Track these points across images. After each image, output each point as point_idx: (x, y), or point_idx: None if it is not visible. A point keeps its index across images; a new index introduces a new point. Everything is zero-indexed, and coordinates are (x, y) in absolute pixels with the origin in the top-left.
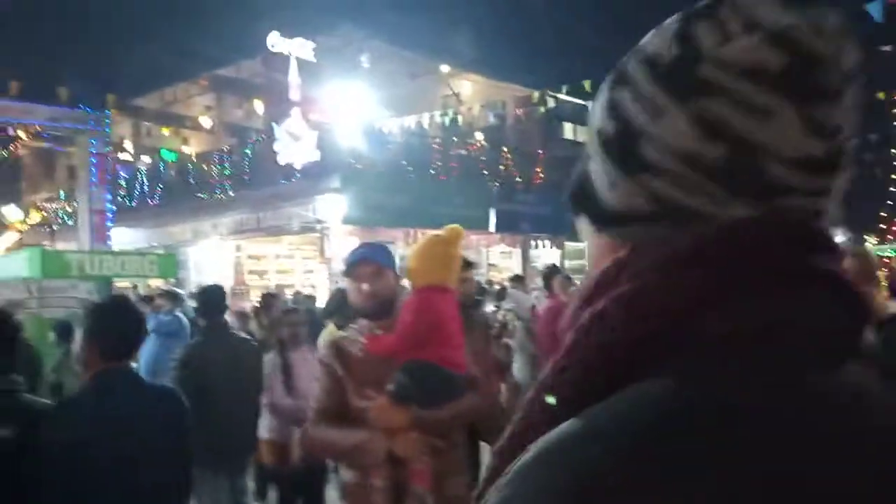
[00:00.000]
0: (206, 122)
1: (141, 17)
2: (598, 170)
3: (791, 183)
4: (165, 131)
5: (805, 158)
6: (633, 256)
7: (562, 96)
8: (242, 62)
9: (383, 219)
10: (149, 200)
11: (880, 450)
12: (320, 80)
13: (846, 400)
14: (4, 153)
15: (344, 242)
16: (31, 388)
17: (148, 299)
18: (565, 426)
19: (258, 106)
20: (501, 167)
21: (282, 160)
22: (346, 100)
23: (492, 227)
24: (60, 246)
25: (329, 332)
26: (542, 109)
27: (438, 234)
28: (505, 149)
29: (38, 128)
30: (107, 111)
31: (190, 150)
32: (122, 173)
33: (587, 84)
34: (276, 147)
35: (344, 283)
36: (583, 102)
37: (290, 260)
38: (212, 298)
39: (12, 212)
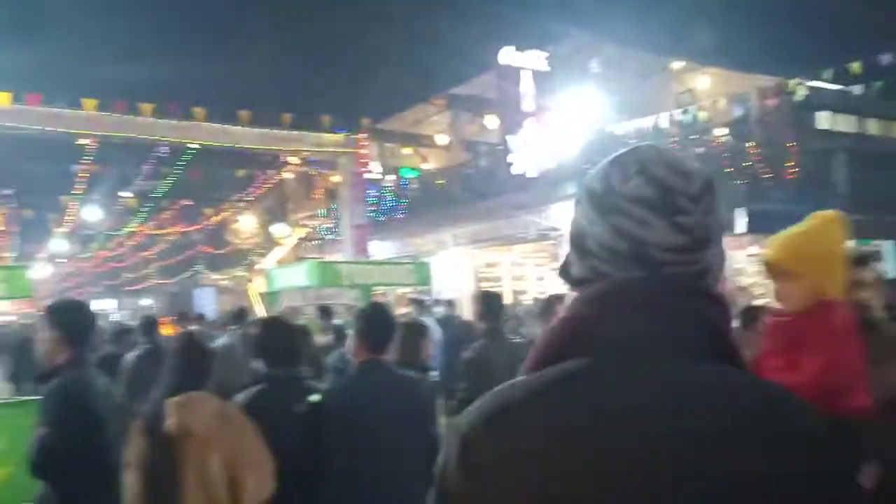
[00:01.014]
0: (442, 139)
1: (384, 43)
2: (569, 255)
3: (666, 259)
4: (406, 150)
5: (672, 246)
6: (573, 300)
7: (817, 84)
8: (475, 79)
9: None
10: (396, 215)
11: (673, 416)
12: (552, 88)
13: (668, 378)
14: (278, 177)
15: None
16: (316, 376)
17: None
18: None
19: (490, 121)
20: (748, 164)
21: (516, 170)
22: (578, 106)
23: (741, 228)
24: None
25: None
26: (796, 98)
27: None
28: (751, 144)
29: (305, 154)
30: (361, 134)
31: (428, 166)
32: (370, 191)
33: (856, 66)
34: (510, 158)
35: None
36: (844, 88)
37: (522, 268)
38: (492, 304)
39: (280, 229)
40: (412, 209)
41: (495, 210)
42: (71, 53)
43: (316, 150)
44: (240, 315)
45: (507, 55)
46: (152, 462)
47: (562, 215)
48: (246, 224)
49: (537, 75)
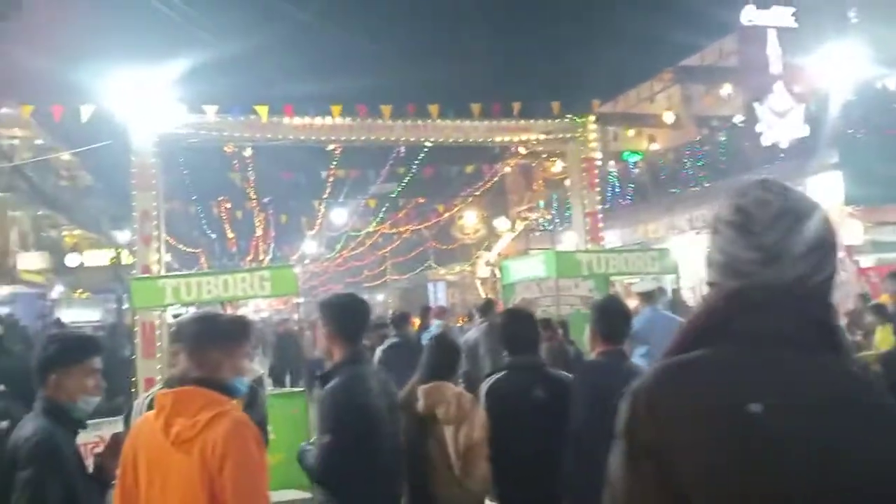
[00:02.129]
0: (669, 117)
1: (606, 20)
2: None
3: (751, 270)
4: (629, 132)
5: (752, 260)
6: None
7: None
8: (706, 49)
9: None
10: (620, 201)
11: (801, 396)
12: (803, 46)
13: (791, 367)
14: (505, 167)
15: (845, 226)
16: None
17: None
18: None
19: (725, 91)
20: None
21: (766, 141)
22: (834, 63)
23: None
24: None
25: None
26: None
27: None
28: None
29: (533, 142)
30: (591, 116)
31: (656, 147)
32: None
33: None
34: (758, 128)
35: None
36: None
37: None
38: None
39: (501, 223)
40: (639, 194)
41: None
42: (308, 64)
43: (544, 137)
44: (486, 308)
45: (750, 14)
46: (408, 438)
47: (821, 188)
48: (469, 219)
49: (783, 34)
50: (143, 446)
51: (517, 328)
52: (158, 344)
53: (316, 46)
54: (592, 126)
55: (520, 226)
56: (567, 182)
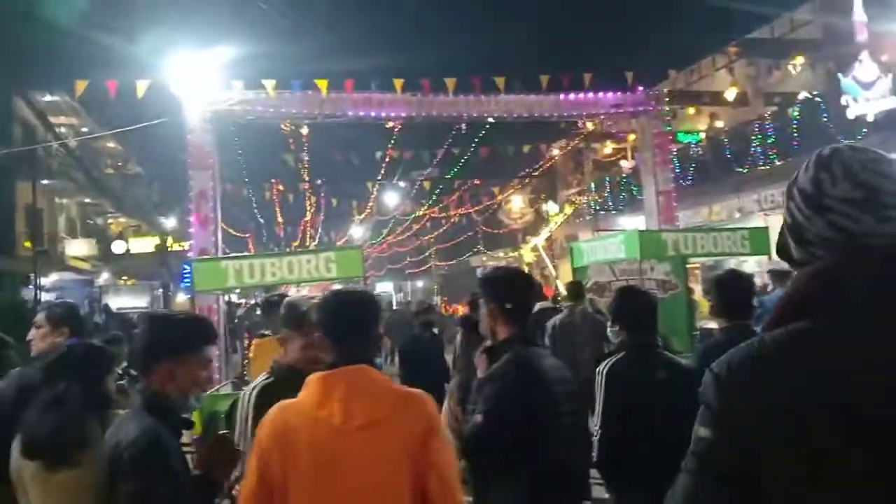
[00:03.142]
0: (731, 94)
1: None
2: (785, 240)
3: (877, 244)
4: (691, 111)
5: (882, 233)
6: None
7: None
8: (775, 21)
9: None
10: (681, 182)
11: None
12: (890, 13)
13: (883, 338)
14: (569, 147)
15: None
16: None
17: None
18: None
19: (795, 65)
20: None
21: (851, 113)
22: None
23: None
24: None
25: None
26: None
27: None
28: None
29: (602, 117)
30: (665, 90)
31: (720, 125)
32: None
33: None
34: (844, 100)
35: None
36: None
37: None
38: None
39: (551, 207)
40: (701, 174)
41: None
42: (369, 37)
43: (613, 112)
44: (577, 291)
45: None
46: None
47: None
48: (516, 203)
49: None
50: (300, 436)
51: (631, 306)
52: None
53: (377, 18)
54: (666, 99)
55: (569, 210)
56: (623, 163)
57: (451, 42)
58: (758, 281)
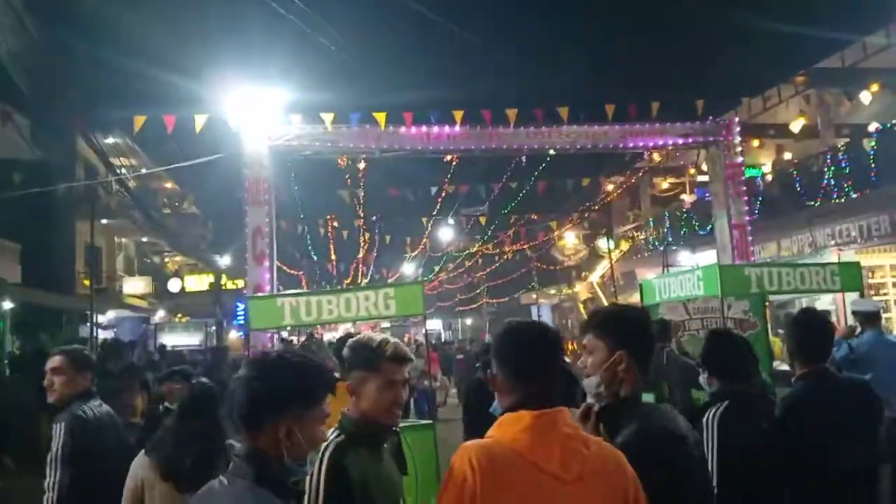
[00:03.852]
0: (797, 125)
1: (731, 19)
2: None
3: None
4: (755, 143)
5: None
6: None
7: None
8: (846, 49)
9: None
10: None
11: None
12: None
13: None
14: (634, 179)
15: None
16: None
17: None
18: None
19: (866, 96)
20: None
21: None
22: None
23: None
24: (652, 272)
25: None
26: None
27: None
28: None
29: (670, 148)
30: (736, 119)
31: (788, 156)
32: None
33: None
34: None
35: None
36: None
37: None
38: (812, 334)
39: (604, 243)
40: (768, 208)
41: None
42: (429, 69)
43: (682, 141)
44: (664, 331)
45: None
46: None
47: None
48: (570, 240)
49: None
50: (513, 482)
51: (733, 352)
52: None
53: (438, 51)
54: (737, 128)
55: (625, 246)
56: (684, 197)
57: (513, 72)
58: (836, 319)
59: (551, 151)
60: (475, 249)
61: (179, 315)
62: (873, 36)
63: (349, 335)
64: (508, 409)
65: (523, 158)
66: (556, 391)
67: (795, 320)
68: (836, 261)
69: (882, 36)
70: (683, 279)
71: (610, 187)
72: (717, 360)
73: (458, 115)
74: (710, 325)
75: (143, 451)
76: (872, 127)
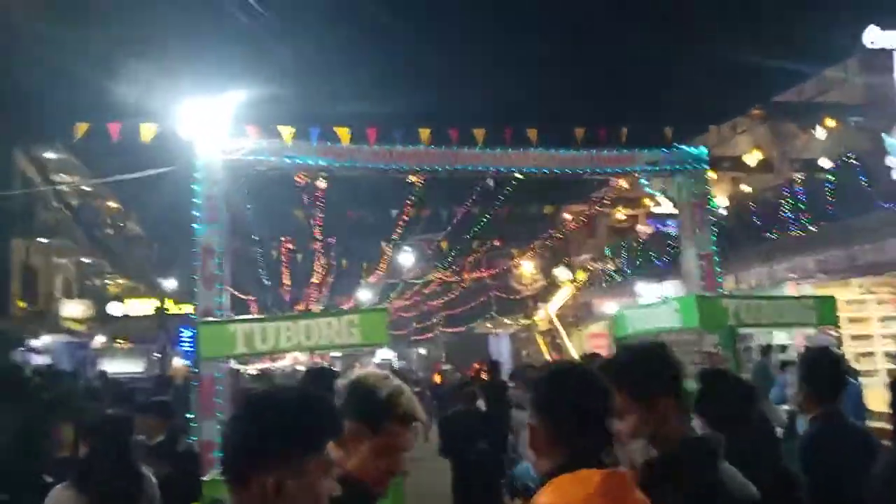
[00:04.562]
0: (752, 158)
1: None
2: None
3: None
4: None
5: None
6: None
7: None
8: (803, 83)
9: None
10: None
11: None
12: None
13: None
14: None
15: None
16: None
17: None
18: None
19: (820, 131)
20: None
21: None
22: None
23: None
24: (610, 303)
25: None
26: None
27: None
28: None
29: (636, 175)
30: (703, 148)
31: (747, 189)
32: (669, 226)
33: None
34: (889, 161)
35: None
36: None
37: (861, 306)
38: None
39: (563, 272)
40: (724, 241)
41: (854, 232)
42: (393, 82)
43: (649, 169)
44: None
45: (872, 36)
46: None
47: None
48: (528, 268)
49: None
50: None
51: (721, 394)
52: (218, 401)
53: (404, 63)
54: (705, 157)
55: (582, 276)
56: (640, 227)
57: (480, 89)
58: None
59: (518, 175)
60: (435, 276)
61: (121, 341)
62: (831, 70)
63: (322, 368)
64: (560, 468)
65: (490, 182)
66: (606, 450)
67: (808, 357)
68: (795, 295)
69: (840, 70)
70: (659, 311)
71: (568, 216)
72: (708, 406)
73: (425, 133)
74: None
75: (60, 485)
76: (827, 162)
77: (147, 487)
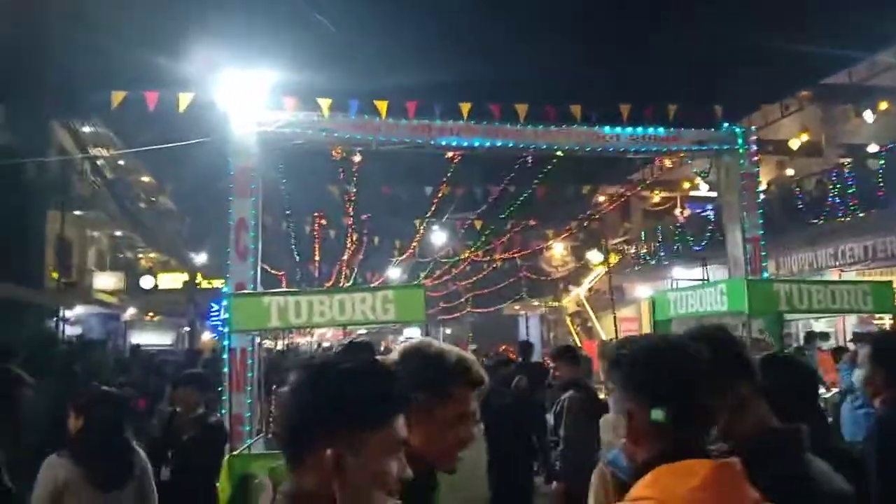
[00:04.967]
0: (795, 143)
1: (743, 31)
2: None
3: None
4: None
5: None
6: None
7: None
8: (854, 66)
9: None
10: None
11: None
12: None
13: None
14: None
15: None
16: None
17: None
18: None
19: (869, 115)
20: None
21: None
22: None
23: None
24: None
25: None
26: None
27: None
28: None
29: (681, 154)
30: (752, 128)
31: (791, 173)
32: (707, 210)
33: None
34: None
35: None
36: None
37: None
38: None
39: (595, 255)
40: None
41: None
42: (436, 57)
43: (696, 148)
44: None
45: None
46: None
47: None
48: (558, 250)
49: None
50: None
51: (782, 381)
52: (250, 375)
53: (448, 34)
54: (753, 136)
55: (614, 259)
56: (678, 212)
57: (525, 66)
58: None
59: (559, 153)
60: (466, 255)
61: (151, 313)
62: (882, 54)
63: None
64: (659, 457)
65: (529, 159)
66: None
67: (882, 338)
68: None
69: (891, 55)
70: (703, 293)
71: (602, 198)
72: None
73: (465, 107)
74: None
75: (56, 453)
76: (873, 147)
77: (138, 461)
